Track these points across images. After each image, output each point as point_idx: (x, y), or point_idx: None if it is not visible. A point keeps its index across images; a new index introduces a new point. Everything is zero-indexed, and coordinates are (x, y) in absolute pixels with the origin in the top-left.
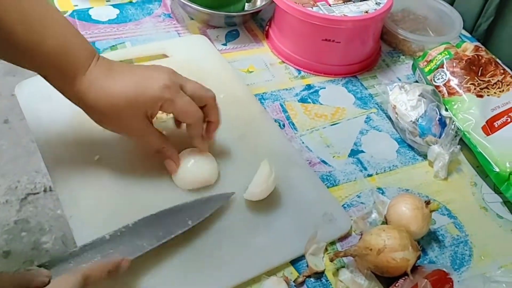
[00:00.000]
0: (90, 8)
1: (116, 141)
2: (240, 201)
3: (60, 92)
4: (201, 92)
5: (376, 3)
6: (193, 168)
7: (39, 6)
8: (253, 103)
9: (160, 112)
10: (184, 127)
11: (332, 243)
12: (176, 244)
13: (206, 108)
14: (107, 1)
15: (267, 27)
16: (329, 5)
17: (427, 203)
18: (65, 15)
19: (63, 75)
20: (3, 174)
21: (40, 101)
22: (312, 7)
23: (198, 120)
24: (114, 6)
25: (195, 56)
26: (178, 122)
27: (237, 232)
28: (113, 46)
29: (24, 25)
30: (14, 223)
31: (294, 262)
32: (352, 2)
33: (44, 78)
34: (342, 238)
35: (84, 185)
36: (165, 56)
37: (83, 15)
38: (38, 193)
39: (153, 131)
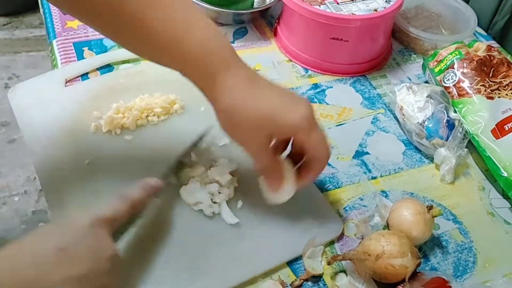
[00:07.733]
0: None
1: (107, 145)
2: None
3: (200, 90)
4: (326, 143)
5: (386, 1)
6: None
7: (181, 4)
8: None
9: (152, 115)
10: None
11: (331, 246)
12: (163, 255)
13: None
14: None
15: (275, 24)
16: (337, 3)
17: (429, 208)
18: None
19: (204, 74)
20: (22, 165)
21: (32, 105)
22: (319, 5)
23: (325, 159)
24: None
25: None
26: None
27: (225, 236)
28: None
29: (166, 24)
30: (32, 213)
31: (291, 263)
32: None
33: (184, 76)
34: (341, 241)
35: (73, 190)
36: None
37: None
38: None
39: (268, 150)
